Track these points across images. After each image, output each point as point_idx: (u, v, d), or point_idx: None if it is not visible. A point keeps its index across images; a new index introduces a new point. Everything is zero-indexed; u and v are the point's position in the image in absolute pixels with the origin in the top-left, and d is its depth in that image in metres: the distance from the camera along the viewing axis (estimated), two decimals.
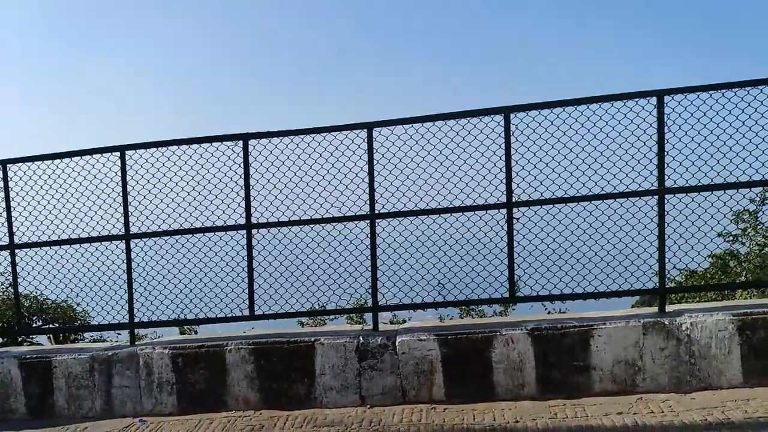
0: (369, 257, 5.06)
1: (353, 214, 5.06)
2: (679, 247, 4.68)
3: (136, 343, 5.58)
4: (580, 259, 4.80)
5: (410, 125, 4.91)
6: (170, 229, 5.33)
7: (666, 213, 4.66)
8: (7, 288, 8.15)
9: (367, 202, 5.02)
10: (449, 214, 4.98)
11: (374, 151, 4.97)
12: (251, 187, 5.16)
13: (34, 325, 10.10)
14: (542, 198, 4.83)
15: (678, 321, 4.57)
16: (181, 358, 5.18)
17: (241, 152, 5.16)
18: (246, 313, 5.30)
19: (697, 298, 7.21)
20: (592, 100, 4.66)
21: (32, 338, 8.44)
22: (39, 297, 9.12)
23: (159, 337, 7.57)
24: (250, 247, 5.22)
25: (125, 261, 5.44)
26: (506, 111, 4.80)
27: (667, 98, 4.59)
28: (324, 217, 5.08)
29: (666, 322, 4.57)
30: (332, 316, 7.22)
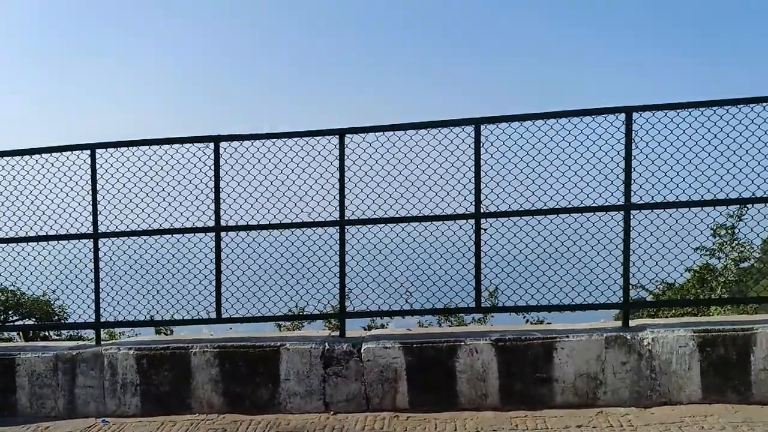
0: (338, 263, 5.07)
1: (323, 219, 5.06)
2: (644, 262, 4.73)
3: (103, 342, 5.53)
4: (545, 271, 4.84)
5: (382, 133, 4.92)
6: (139, 229, 5.30)
7: (632, 228, 4.71)
8: None
9: (338, 208, 5.02)
10: (418, 223, 4.99)
11: (345, 157, 4.97)
12: (221, 189, 5.15)
13: (11, 319, 10.02)
14: (510, 210, 4.85)
15: (640, 336, 4.61)
16: (146, 359, 5.15)
17: (212, 154, 5.15)
18: (213, 315, 5.28)
19: (673, 311, 7.28)
20: (562, 114, 4.70)
21: (3, 333, 8.36)
22: (16, 291, 9.04)
23: (136, 336, 7.53)
24: (218, 249, 5.20)
25: (92, 260, 5.40)
26: (477, 122, 4.82)
27: (635, 115, 4.63)
28: (294, 221, 5.08)
29: (628, 337, 4.61)
30: (309, 321, 7.20)
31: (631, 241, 4.70)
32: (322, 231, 5.09)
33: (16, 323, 8.63)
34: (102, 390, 5.21)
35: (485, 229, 4.92)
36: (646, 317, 7.58)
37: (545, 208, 4.80)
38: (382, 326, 7.82)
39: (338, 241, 5.05)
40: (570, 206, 4.76)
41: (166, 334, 7.97)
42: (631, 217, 4.70)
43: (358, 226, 5.04)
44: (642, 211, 4.69)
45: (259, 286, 5.16)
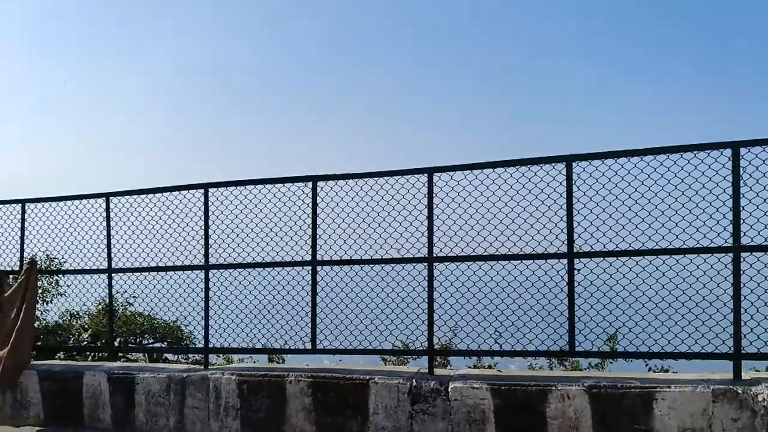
0: (427, 300, 5.12)
1: (412, 256, 5.15)
2: (757, 309, 4.33)
3: (210, 367, 5.94)
4: (645, 315, 4.57)
5: (470, 171, 4.96)
6: (244, 261, 5.70)
7: (742, 272, 4.33)
8: (125, 307, 9.03)
9: (426, 244, 5.09)
10: (508, 261, 4.93)
11: (434, 195, 5.06)
12: (318, 225, 5.42)
13: (145, 342, 11.05)
14: (606, 250, 4.65)
15: (753, 390, 4.18)
16: (246, 385, 5.46)
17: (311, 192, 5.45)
18: (308, 346, 5.51)
19: None
20: (660, 150, 4.47)
21: (131, 354, 9.19)
22: (152, 316, 10.00)
23: (254, 362, 7.99)
24: (314, 282, 5.46)
25: (204, 289, 5.86)
26: (569, 159, 4.72)
27: (743, 150, 4.30)
28: (384, 257, 5.21)
29: (739, 391, 4.20)
30: (415, 357, 7.26)
31: (743, 285, 4.32)
32: (411, 267, 5.18)
33: (138, 345, 9.45)
34: (207, 412, 5.58)
35: (578, 270, 4.76)
36: None
37: (644, 248, 4.56)
38: (490, 367, 7.69)
39: (426, 278, 5.10)
40: (671, 247, 4.48)
41: (278, 362, 8.38)
42: (742, 260, 4.33)
43: (447, 263, 5.08)
44: (754, 253, 4.31)
45: (351, 319, 5.32)
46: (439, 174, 5.04)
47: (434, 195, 5.05)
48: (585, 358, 6.50)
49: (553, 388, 4.61)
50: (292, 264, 5.54)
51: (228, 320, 5.80)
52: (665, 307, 4.51)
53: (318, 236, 5.42)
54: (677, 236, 4.44)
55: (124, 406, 5.89)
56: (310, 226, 5.45)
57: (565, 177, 4.73)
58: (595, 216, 4.65)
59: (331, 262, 5.40)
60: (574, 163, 4.70)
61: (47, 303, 8.86)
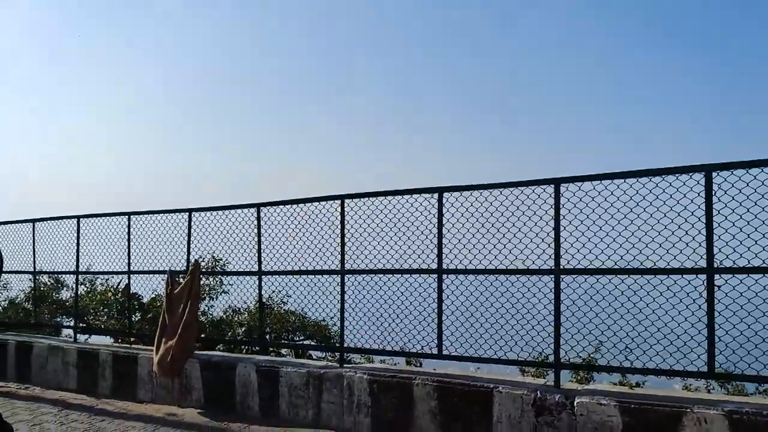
0: (553, 312, 5.06)
1: (538, 267, 5.12)
2: None
3: (345, 365, 6.35)
4: None
5: (599, 181, 4.83)
6: (375, 268, 6.03)
7: None
8: (278, 305, 9.90)
9: (552, 256, 5.04)
10: (640, 276, 4.74)
11: (561, 206, 4.99)
12: (444, 236, 5.59)
13: (296, 339, 11.98)
14: (750, 266, 4.31)
15: None
16: (377, 384, 5.77)
17: (437, 203, 5.63)
18: (435, 351, 5.69)
19: None
20: None
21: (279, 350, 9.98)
22: (303, 315, 10.85)
23: (395, 364, 8.38)
24: (440, 290, 5.62)
25: (340, 292, 6.29)
26: (707, 169, 4.44)
27: None
28: (509, 268, 5.24)
29: None
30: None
31: None
32: (536, 278, 5.15)
33: (287, 341, 10.21)
34: (341, 407, 5.98)
35: (719, 287, 4.45)
36: None
37: None
38: (638, 385, 7.31)
39: (552, 290, 5.05)
40: None
41: (415, 365, 8.67)
42: None
43: (574, 276, 4.99)
44: None
45: (476, 327, 5.41)
46: (566, 185, 4.97)
47: (561, 206, 4.99)
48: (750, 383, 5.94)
49: (689, 410, 4.35)
50: (419, 272, 5.76)
51: (361, 322, 6.16)
52: None
53: (444, 245, 5.59)
54: None
55: (269, 397, 6.48)
56: (437, 235, 5.63)
57: (703, 187, 4.46)
58: (738, 229, 4.32)
59: (457, 271, 5.54)
60: (713, 173, 4.41)
61: (213, 300, 9.96)
